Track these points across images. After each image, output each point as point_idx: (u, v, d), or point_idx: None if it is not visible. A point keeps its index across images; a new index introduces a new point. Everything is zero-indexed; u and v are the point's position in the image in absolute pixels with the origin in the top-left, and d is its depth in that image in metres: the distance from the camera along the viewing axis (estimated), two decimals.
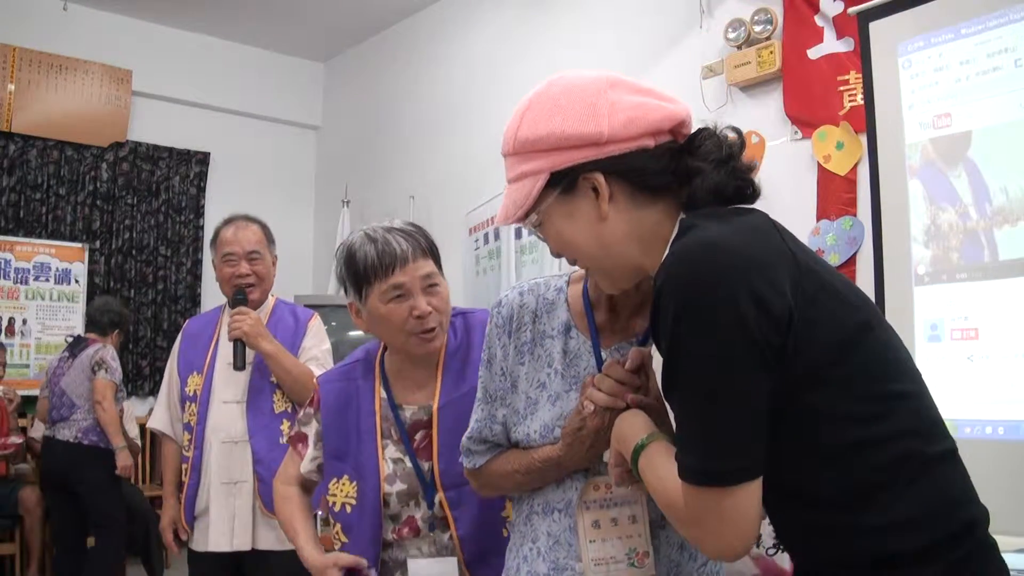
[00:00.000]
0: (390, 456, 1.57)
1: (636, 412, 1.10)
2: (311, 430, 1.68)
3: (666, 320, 0.91)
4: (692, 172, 1.00)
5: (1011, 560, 1.56)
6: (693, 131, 1.05)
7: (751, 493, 0.90)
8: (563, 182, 1.03)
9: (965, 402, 2.22)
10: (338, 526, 1.58)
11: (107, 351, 4.17)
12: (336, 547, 1.59)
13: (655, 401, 1.12)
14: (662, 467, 0.98)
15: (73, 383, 4.10)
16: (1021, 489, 2.09)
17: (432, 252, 1.57)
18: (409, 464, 1.56)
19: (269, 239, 2.56)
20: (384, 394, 1.60)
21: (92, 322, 4.40)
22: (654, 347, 1.13)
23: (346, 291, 1.59)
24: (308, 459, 1.67)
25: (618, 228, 1.03)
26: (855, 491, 0.91)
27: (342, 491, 1.57)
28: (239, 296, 2.43)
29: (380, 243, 1.53)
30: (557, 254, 1.13)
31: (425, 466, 1.55)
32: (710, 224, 0.95)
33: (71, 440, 4.02)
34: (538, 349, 1.29)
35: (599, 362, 1.25)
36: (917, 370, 1.00)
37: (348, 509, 1.56)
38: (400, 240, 1.53)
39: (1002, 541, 1.99)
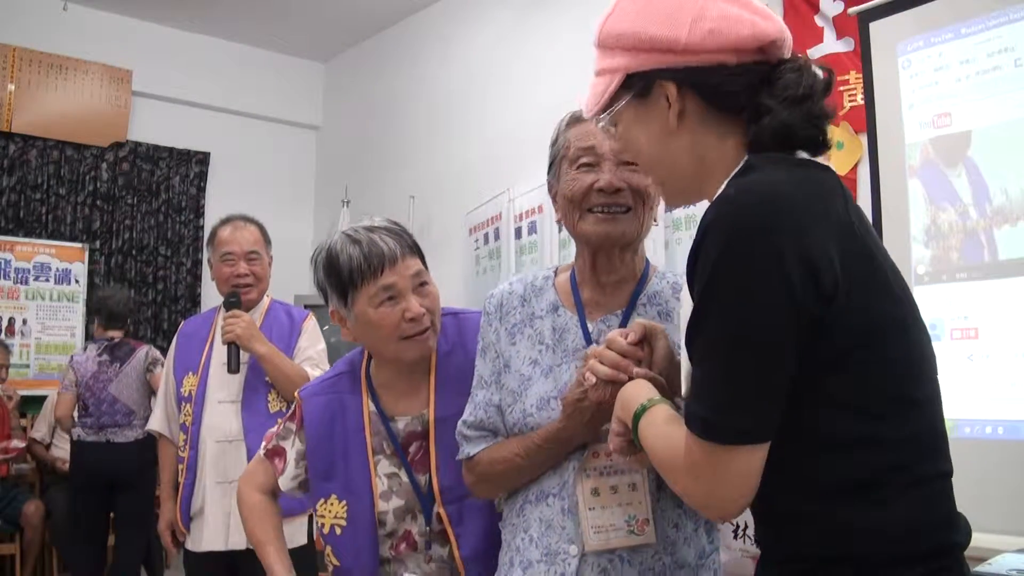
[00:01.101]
0: (384, 472, 1.48)
1: (640, 381, 1.08)
2: (291, 446, 1.58)
3: (706, 261, 0.86)
4: (763, 110, 0.93)
5: (1011, 560, 1.56)
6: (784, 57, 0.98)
7: (754, 457, 0.87)
8: (639, 85, 0.99)
9: (965, 402, 2.22)
10: (328, 548, 1.50)
11: (152, 349, 4.16)
12: (329, 570, 1.51)
13: (658, 375, 1.11)
14: (663, 426, 0.97)
15: (127, 390, 4.03)
16: (1021, 489, 2.09)
17: (418, 250, 1.50)
18: (405, 478, 1.48)
19: (266, 240, 2.57)
20: (373, 407, 1.51)
21: (114, 316, 4.24)
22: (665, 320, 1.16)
23: (327, 299, 1.49)
24: (288, 476, 1.57)
25: (684, 144, 0.99)
26: (846, 487, 0.89)
27: (330, 511, 1.49)
28: (232, 299, 2.44)
29: (365, 244, 1.43)
30: (621, 152, 1.14)
31: (422, 479, 1.47)
32: (775, 171, 0.90)
33: (139, 437, 3.94)
34: (528, 329, 1.32)
35: (586, 334, 1.28)
36: (937, 381, 0.97)
37: (338, 531, 1.48)
38: (386, 239, 1.45)
39: (1002, 541, 1.99)
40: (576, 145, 1.29)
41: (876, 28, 2.54)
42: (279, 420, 1.66)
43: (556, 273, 1.38)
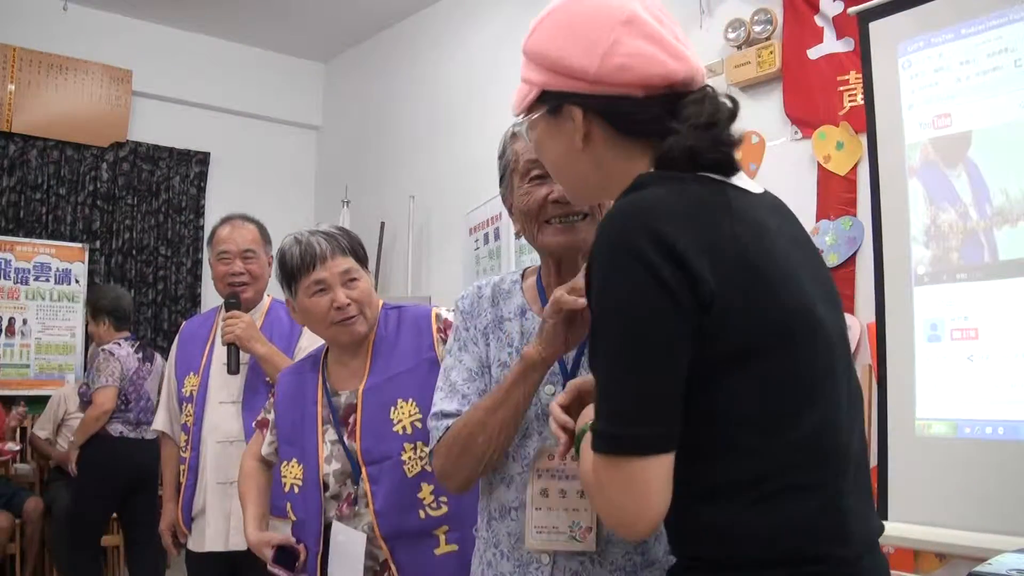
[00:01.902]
0: (329, 439, 1.72)
1: None
2: (271, 417, 1.88)
3: (593, 279, 0.91)
4: (669, 133, 0.97)
5: (1011, 560, 1.56)
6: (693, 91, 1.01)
7: (654, 468, 0.87)
8: (551, 103, 1.04)
9: (965, 402, 2.22)
10: (288, 504, 1.74)
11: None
12: (289, 524, 1.75)
13: None
14: (588, 446, 0.97)
15: (154, 389, 4.08)
16: (1021, 489, 2.09)
17: (353, 251, 1.77)
18: (341, 445, 1.70)
19: (265, 239, 2.57)
20: (324, 383, 1.78)
21: (125, 317, 4.27)
22: None
23: (285, 290, 1.79)
24: (267, 443, 1.88)
25: (589, 161, 1.04)
26: (709, 493, 0.90)
27: (291, 473, 1.74)
28: (231, 300, 2.45)
29: (303, 244, 1.73)
30: (535, 156, 1.18)
31: (354, 446, 1.68)
32: (659, 187, 0.93)
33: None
34: (498, 331, 1.36)
35: None
36: (835, 392, 0.95)
37: (296, 489, 1.73)
38: (321, 241, 1.73)
39: (1002, 541, 1.99)
40: (524, 158, 1.31)
41: (876, 28, 2.54)
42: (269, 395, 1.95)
43: (524, 276, 1.42)
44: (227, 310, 2.43)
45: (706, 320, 0.87)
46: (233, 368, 2.37)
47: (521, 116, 1.11)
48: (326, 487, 1.69)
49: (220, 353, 2.44)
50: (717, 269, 0.87)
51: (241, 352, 2.39)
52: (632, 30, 0.98)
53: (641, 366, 0.87)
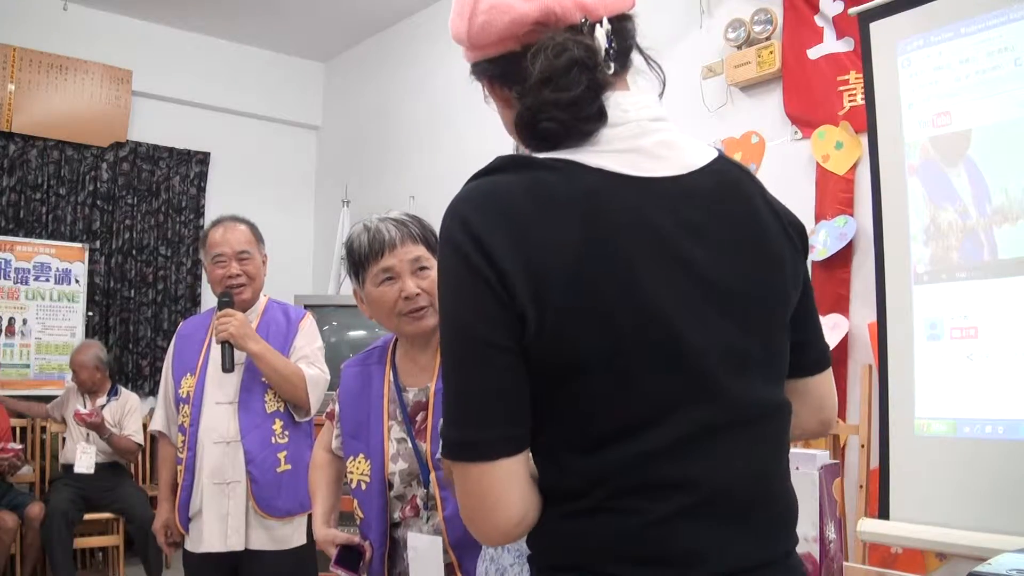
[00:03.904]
0: (395, 436, 1.64)
1: None
2: (337, 408, 1.80)
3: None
4: (523, 72, 0.86)
5: (1011, 560, 1.56)
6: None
7: (504, 471, 0.82)
8: (474, 77, 0.98)
9: (965, 401, 2.22)
10: (355, 501, 1.66)
11: None
12: (357, 522, 1.67)
13: None
14: None
15: None
16: (1021, 489, 2.09)
17: (425, 239, 1.67)
18: (409, 444, 1.62)
19: (258, 238, 2.57)
20: (392, 377, 1.69)
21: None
22: None
23: (352, 280, 1.71)
24: (333, 435, 1.80)
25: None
26: (547, 498, 0.86)
27: (358, 469, 1.66)
28: (224, 299, 2.45)
29: (372, 231, 1.64)
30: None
31: (423, 447, 1.60)
32: (508, 173, 0.85)
33: None
34: None
35: None
36: (666, 402, 0.84)
37: (363, 486, 1.65)
38: (391, 227, 1.64)
39: (1002, 541, 1.99)
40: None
41: (876, 28, 2.54)
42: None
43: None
44: (220, 309, 2.43)
45: (527, 335, 0.81)
46: (228, 366, 2.37)
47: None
48: (390, 486, 1.62)
49: (216, 354, 2.44)
50: (541, 284, 0.80)
51: (238, 351, 2.39)
52: None
53: (467, 367, 0.83)
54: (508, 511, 0.83)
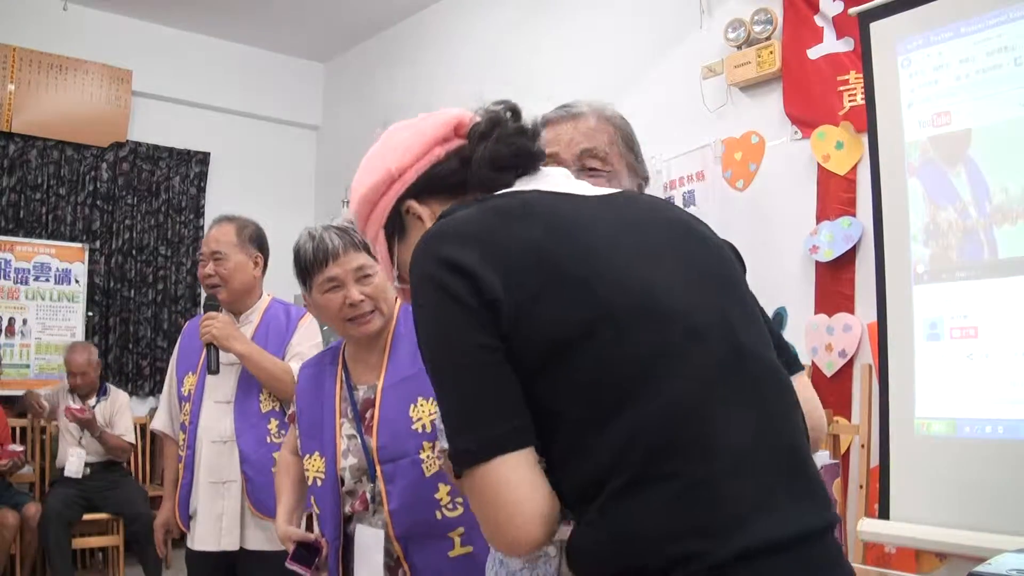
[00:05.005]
0: (346, 433, 1.69)
1: None
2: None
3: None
4: (469, 159, 1.03)
5: (1011, 560, 1.56)
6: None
7: (511, 466, 0.83)
8: (394, 226, 1.07)
9: (965, 401, 2.22)
10: (312, 498, 1.72)
11: None
12: (315, 518, 1.73)
13: None
14: None
15: None
16: (1021, 489, 2.09)
17: (367, 246, 1.71)
18: (358, 439, 1.68)
19: (247, 239, 2.55)
20: (343, 376, 1.76)
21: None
22: None
23: (301, 286, 1.79)
24: (293, 436, 1.85)
25: None
26: (571, 498, 0.85)
27: (314, 466, 1.71)
28: (210, 301, 2.46)
29: (316, 240, 1.71)
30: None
31: (371, 442, 1.65)
32: (458, 210, 0.96)
33: None
34: None
35: None
36: (669, 376, 0.85)
37: (319, 483, 1.70)
38: (334, 236, 1.71)
39: (1002, 540, 1.99)
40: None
41: (876, 28, 2.54)
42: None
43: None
44: (205, 311, 2.45)
45: (505, 324, 0.85)
46: (214, 367, 2.38)
47: (396, 283, 1.11)
48: (342, 482, 1.68)
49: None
50: (510, 275, 0.86)
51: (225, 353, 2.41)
52: (392, 134, 1.14)
53: (460, 378, 0.86)
54: (528, 504, 0.83)
